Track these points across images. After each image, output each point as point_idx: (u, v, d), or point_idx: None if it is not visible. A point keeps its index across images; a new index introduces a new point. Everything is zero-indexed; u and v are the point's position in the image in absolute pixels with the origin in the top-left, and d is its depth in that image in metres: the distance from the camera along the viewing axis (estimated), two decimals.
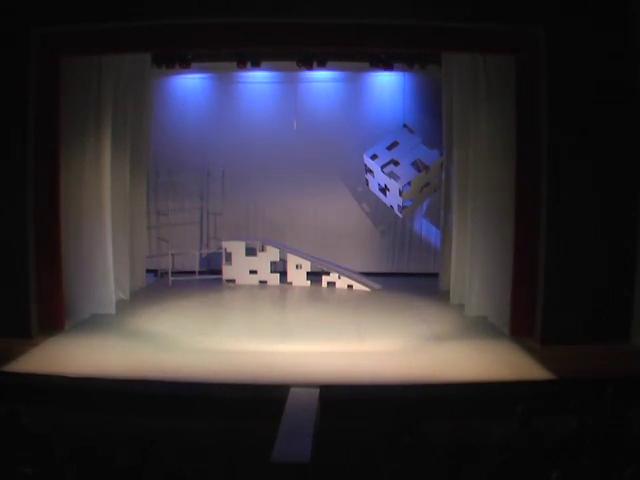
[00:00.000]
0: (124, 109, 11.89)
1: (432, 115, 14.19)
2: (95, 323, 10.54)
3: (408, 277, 15.04)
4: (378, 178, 13.62)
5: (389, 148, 13.61)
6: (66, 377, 7.96)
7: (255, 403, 7.53)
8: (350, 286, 13.96)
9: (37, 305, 9.61)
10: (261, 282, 14.25)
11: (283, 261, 14.52)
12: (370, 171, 13.76)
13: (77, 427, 6.53)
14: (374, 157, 13.53)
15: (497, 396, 7.52)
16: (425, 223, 15.34)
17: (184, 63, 13.40)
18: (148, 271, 14.38)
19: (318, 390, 7.53)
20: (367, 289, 13.82)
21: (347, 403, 7.48)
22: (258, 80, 14.92)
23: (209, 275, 14.68)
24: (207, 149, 14.81)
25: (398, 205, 13.50)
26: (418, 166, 13.48)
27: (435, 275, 14.20)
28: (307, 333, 10.17)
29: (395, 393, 7.70)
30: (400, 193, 13.19)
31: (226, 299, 13.27)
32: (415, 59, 13.49)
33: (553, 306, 9.34)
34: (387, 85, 14.95)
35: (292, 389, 7.55)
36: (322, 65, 13.51)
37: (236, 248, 14.18)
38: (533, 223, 9.55)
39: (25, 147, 9.34)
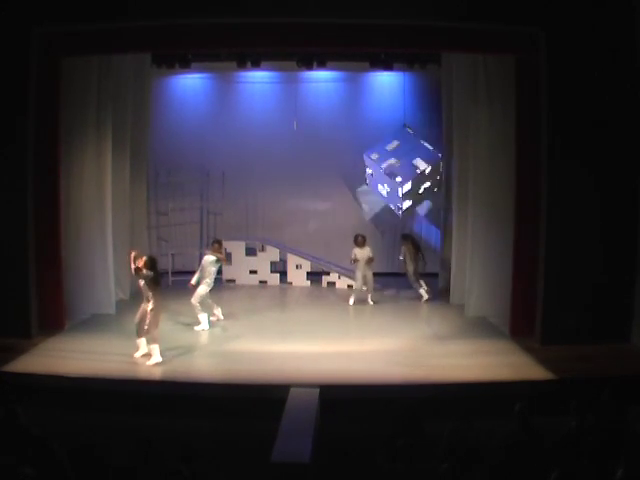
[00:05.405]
0: (124, 109, 11.89)
1: (432, 115, 14.18)
2: (95, 323, 10.55)
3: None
4: (378, 178, 13.61)
5: (389, 148, 13.60)
6: (66, 377, 7.96)
7: (255, 403, 7.54)
8: (350, 286, 13.90)
9: (37, 305, 9.61)
10: (261, 282, 14.26)
11: (283, 261, 14.51)
12: (370, 171, 13.75)
13: (76, 427, 6.53)
14: (374, 157, 13.52)
15: (497, 396, 7.52)
16: (425, 223, 15.34)
17: (184, 63, 13.41)
18: None
19: (318, 390, 7.53)
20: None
21: (347, 403, 7.49)
22: (258, 80, 14.92)
23: None
24: (207, 149, 14.80)
25: (398, 205, 13.49)
26: (418, 166, 13.48)
27: (435, 275, 14.19)
28: (307, 333, 10.17)
29: (395, 393, 7.69)
30: (400, 193, 13.18)
31: (226, 299, 13.25)
32: (415, 59, 13.47)
33: (553, 306, 9.34)
34: (387, 85, 14.94)
35: (292, 389, 7.55)
36: (322, 65, 13.50)
37: (236, 248, 14.17)
38: (533, 223, 9.55)
39: (25, 147, 9.34)
